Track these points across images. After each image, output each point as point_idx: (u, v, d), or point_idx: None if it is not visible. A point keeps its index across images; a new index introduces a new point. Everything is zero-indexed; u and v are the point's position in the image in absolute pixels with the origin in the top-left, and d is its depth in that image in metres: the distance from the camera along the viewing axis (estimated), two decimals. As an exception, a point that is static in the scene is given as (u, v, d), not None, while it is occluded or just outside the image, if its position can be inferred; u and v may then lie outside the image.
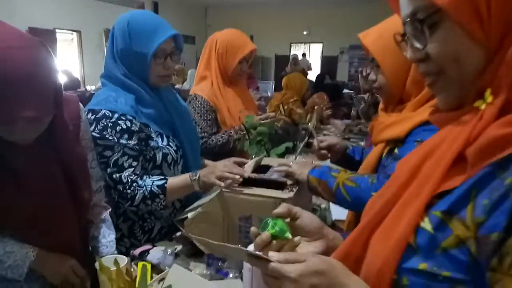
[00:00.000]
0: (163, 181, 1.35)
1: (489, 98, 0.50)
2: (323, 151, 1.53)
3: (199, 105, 1.96)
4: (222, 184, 1.28)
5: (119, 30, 1.35)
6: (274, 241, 0.69)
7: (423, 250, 0.53)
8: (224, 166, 1.33)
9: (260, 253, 0.64)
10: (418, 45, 0.56)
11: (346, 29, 11.13)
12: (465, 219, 0.49)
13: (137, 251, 1.32)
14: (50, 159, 1.05)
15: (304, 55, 13.02)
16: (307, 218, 0.79)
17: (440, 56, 0.54)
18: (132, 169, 1.33)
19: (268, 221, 0.70)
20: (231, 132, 1.94)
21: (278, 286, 0.60)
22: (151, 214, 1.47)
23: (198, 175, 1.34)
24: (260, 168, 1.51)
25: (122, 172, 1.32)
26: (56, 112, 0.97)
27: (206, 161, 1.69)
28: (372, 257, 0.58)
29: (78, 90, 6.99)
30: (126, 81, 1.36)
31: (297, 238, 0.71)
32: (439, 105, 0.60)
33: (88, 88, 7.80)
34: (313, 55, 13.67)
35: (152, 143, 1.39)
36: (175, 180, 1.37)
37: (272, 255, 0.61)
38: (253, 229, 0.70)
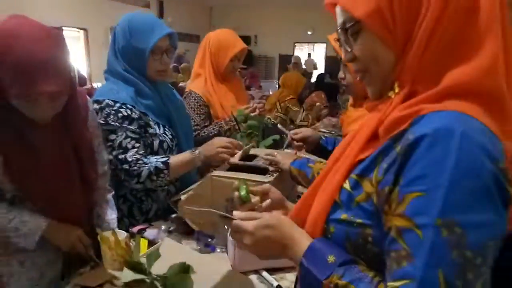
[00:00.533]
0: (165, 158, 1.51)
1: (397, 89, 0.66)
2: (298, 143, 1.66)
3: (193, 100, 2.08)
4: (225, 150, 1.50)
5: (121, 29, 1.51)
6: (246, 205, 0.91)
7: (344, 204, 0.69)
8: (220, 139, 1.55)
9: (227, 214, 0.80)
10: (347, 48, 0.72)
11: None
12: (372, 179, 0.64)
13: (135, 229, 1.48)
14: (63, 138, 1.21)
15: (309, 55, 13.16)
16: (273, 193, 0.98)
17: (363, 57, 0.69)
18: (135, 149, 1.47)
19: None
20: (221, 123, 2.07)
21: (240, 239, 0.76)
22: (148, 197, 1.63)
23: (199, 151, 1.51)
24: (248, 157, 1.67)
25: (127, 153, 1.46)
26: (71, 93, 1.15)
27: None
28: (311, 213, 0.74)
29: (85, 87, 7.15)
30: (126, 75, 1.52)
31: (267, 201, 0.95)
32: (369, 96, 0.76)
33: (94, 85, 7.94)
34: (317, 55, 13.77)
35: (151, 130, 1.54)
36: (177, 157, 1.53)
37: (235, 214, 0.78)
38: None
